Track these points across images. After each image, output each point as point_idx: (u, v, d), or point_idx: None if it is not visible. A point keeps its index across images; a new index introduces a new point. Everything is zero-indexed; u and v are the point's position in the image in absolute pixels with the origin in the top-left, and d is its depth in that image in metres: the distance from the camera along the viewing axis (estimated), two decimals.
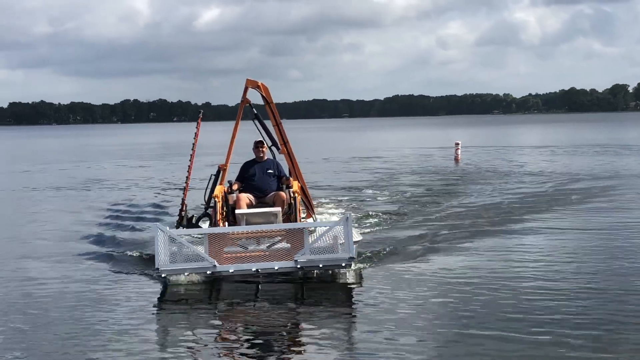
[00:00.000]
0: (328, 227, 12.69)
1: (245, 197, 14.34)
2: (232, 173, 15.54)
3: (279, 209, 13.89)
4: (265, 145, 15.25)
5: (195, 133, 15.11)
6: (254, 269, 12.33)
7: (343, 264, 12.46)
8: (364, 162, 47.15)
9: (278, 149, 15.40)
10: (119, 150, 74.22)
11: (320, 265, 12.46)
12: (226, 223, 14.05)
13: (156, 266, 12.22)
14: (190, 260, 12.27)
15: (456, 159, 45.09)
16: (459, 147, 46.74)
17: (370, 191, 28.62)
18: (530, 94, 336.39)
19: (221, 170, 14.91)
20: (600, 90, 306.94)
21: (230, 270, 12.27)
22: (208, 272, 12.27)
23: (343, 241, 12.50)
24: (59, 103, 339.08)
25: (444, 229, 18.31)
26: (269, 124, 15.49)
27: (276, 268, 12.37)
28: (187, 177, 15.00)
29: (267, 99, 14.95)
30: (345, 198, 26.41)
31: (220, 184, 14.75)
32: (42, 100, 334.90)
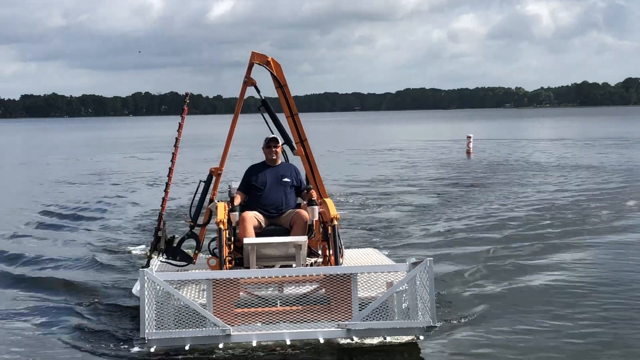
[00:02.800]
0: (394, 281, 8.65)
1: (253, 217, 10.04)
2: (229, 178, 13.74)
3: (304, 238, 9.50)
4: (280, 144, 10.80)
5: (180, 125, 10.89)
6: (288, 341, 8.43)
7: (420, 337, 8.53)
8: (378, 155, 47.01)
9: (293, 148, 10.90)
10: (132, 142, 74.27)
11: (387, 339, 8.65)
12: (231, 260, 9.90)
13: (141, 335, 8.07)
14: (188, 319, 8.21)
15: (468, 152, 44.95)
16: (471, 141, 46.56)
17: (395, 188, 28.42)
18: (542, 88, 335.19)
19: (213, 175, 10.72)
20: (612, 84, 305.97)
21: (253, 344, 8.45)
22: (220, 345, 8.36)
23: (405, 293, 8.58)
24: (71, 96, 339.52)
25: (506, 238, 16.16)
26: (280, 115, 11.23)
27: (321, 341, 8.44)
28: (167, 183, 10.94)
29: (279, 80, 10.72)
30: (366, 196, 26.29)
31: (213, 194, 10.73)
32: (54, 93, 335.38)
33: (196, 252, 10.86)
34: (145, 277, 7.99)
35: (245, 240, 9.45)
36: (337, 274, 8.36)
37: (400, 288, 8.37)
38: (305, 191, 10.56)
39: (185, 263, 10.67)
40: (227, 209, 9.87)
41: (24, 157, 54.28)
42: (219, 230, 9.38)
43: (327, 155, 45.55)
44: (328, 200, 10.08)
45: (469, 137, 47.03)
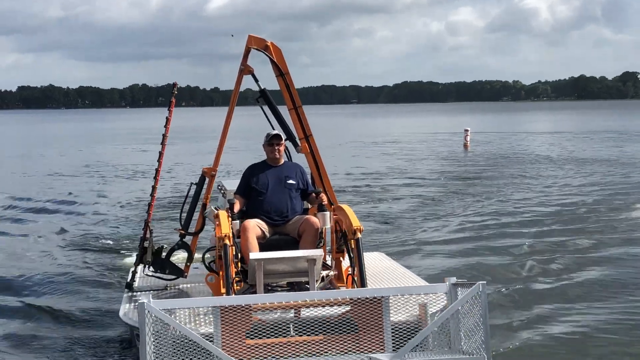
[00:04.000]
0: (439, 306, 7.22)
1: (255, 226, 8.65)
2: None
3: (320, 252, 7.94)
4: (284, 141, 9.44)
5: (167, 119, 9.47)
6: None
7: None
8: (376, 148, 46.99)
9: (296, 145, 9.52)
10: (130, 133, 74.17)
11: None
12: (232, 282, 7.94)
13: None
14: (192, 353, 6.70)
15: (465, 146, 44.97)
16: (468, 134, 46.56)
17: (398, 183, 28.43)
18: (539, 81, 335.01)
19: (206, 177, 9.43)
20: (610, 77, 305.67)
21: None
22: None
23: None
24: (68, 87, 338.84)
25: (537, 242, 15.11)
26: (281, 108, 9.74)
27: None
28: (153, 187, 9.53)
29: (280, 68, 9.33)
30: (368, 189, 26.29)
31: (206, 198, 9.47)
32: (51, 84, 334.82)
33: (187, 264, 9.50)
34: (147, 311, 6.33)
35: (252, 256, 7.67)
36: (367, 297, 6.82)
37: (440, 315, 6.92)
38: (315, 195, 9.10)
39: (175, 277, 9.43)
40: (228, 221, 8.09)
41: (18, 149, 54.14)
42: (224, 247, 7.58)
43: (324, 148, 45.48)
44: (347, 207, 8.48)
45: (466, 131, 47.02)
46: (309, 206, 9.38)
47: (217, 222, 8.04)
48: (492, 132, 63.01)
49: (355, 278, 8.04)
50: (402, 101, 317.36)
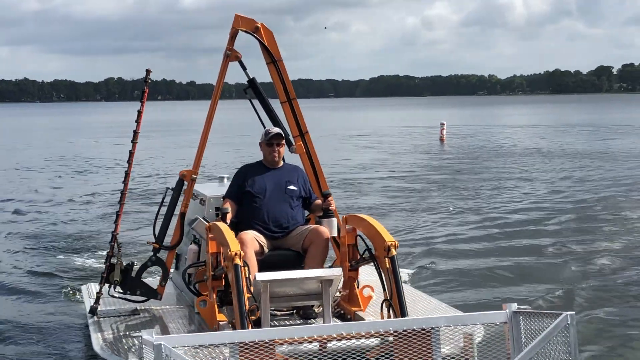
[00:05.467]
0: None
1: (253, 240, 7.30)
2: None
3: (338, 271, 6.79)
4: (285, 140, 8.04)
5: (139, 112, 8.13)
6: None
7: None
8: (354, 141, 47.06)
9: (290, 144, 8.23)
10: (107, 127, 73.71)
11: None
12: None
13: None
14: None
15: (441, 139, 45.16)
16: (445, 127, 46.74)
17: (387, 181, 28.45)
18: (515, 75, 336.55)
19: (185, 181, 8.14)
20: (584, 72, 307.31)
21: None
22: None
23: None
24: (43, 81, 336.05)
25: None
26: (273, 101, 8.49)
27: None
28: (122, 193, 8.17)
29: (271, 54, 8.06)
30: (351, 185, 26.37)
31: (184, 205, 8.16)
32: (25, 78, 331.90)
33: (162, 283, 8.12)
34: (164, 355, 4.87)
35: (258, 277, 6.45)
36: (414, 329, 5.51)
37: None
38: (323, 197, 7.74)
39: (146, 299, 8.08)
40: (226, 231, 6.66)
41: None
42: (236, 269, 5.99)
43: None
44: (371, 219, 6.95)
45: (442, 124, 47.20)
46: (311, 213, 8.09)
47: (211, 236, 6.76)
48: (468, 126, 63.29)
49: (393, 305, 6.42)
50: (379, 95, 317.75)
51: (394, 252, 6.51)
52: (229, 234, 6.45)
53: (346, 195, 21.57)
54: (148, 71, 8.24)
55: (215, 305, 6.76)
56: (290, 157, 8.28)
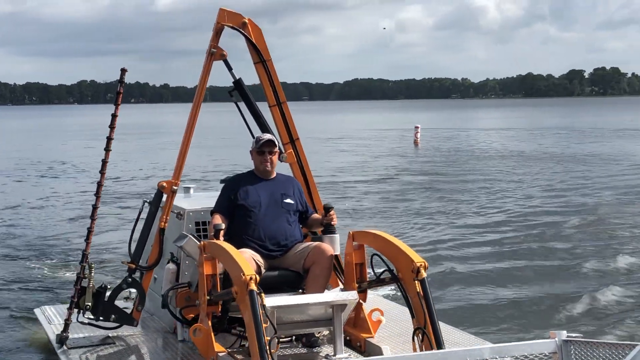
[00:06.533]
0: None
1: (251, 259, 6.44)
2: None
3: (354, 294, 6.12)
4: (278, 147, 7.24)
5: (113, 116, 7.26)
6: None
7: None
8: (331, 145, 47.09)
9: (280, 152, 7.32)
10: (79, 130, 73.17)
11: None
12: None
13: None
14: None
15: (415, 142, 45.31)
16: (419, 131, 46.89)
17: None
18: (488, 79, 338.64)
19: (164, 193, 7.25)
20: (557, 75, 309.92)
21: None
22: None
23: None
24: (15, 83, 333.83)
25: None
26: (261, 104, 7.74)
27: None
28: (94, 206, 7.27)
29: (260, 53, 7.36)
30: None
31: (164, 220, 7.26)
32: None
33: (139, 308, 7.23)
34: None
35: (269, 302, 5.58)
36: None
37: None
38: (324, 211, 6.99)
39: (118, 325, 7.25)
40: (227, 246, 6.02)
41: None
42: (251, 295, 5.25)
43: None
44: (390, 237, 6.21)
45: (416, 128, 47.35)
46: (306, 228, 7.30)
47: (206, 256, 6.06)
48: (442, 129, 63.55)
49: (427, 334, 5.62)
50: (353, 98, 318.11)
51: (424, 273, 5.74)
52: (237, 254, 5.70)
53: (325, 199, 21.59)
54: (123, 70, 7.39)
55: (212, 334, 6.04)
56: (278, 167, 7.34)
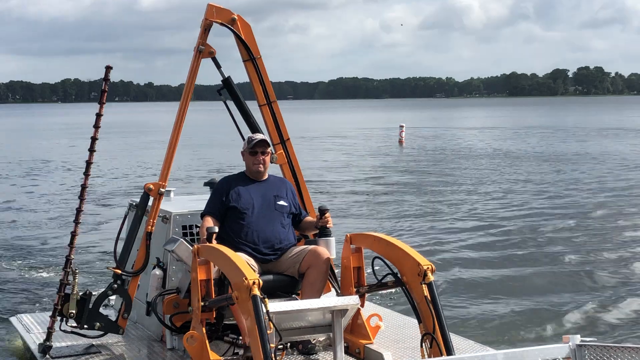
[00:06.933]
0: None
1: (246, 263, 5.99)
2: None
3: (355, 299, 5.86)
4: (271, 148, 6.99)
5: (98, 115, 6.92)
6: None
7: None
8: (316, 144, 47.05)
9: (271, 152, 7.04)
10: (63, 129, 72.81)
11: None
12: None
13: None
14: None
15: (400, 142, 45.34)
16: (404, 130, 46.93)
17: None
18: (472, 78, 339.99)
19: (151, 195, 6.94)
20: (540, 74, 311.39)
21: None
22: None
23: None
24: None
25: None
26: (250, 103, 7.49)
27: None
28: (77, 209, 6.94)
29: (249, 50, 7.12)
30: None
31: (150, 224, 6.89)
32: None
33: (125, 315, 6.88)
34: None
35: (273, 308, 5.30)
36: None
37: None
38: (319, 213, 6.64)
39: (103, 333, 6.90)
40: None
41: None
42: (254, 300, 4.98)
43: None
44: (393, 239, 6.04)
45: (401, 127, 47.38)
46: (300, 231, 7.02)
47: (201, 260, 5.84)
48: (426, 128, 63.67)
49: (437, 340, 5.41)
50: (338, 97, 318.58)
51: (431, 277, 5.53)
52: (237, 258, 5.42)
53: (313, 198, 21.55)
54: (108, 67, 7.06)
55: (207, 342, 5.74)
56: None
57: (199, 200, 7.35)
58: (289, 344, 6.35)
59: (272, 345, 4.91)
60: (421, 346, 5.50)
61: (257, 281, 5.03)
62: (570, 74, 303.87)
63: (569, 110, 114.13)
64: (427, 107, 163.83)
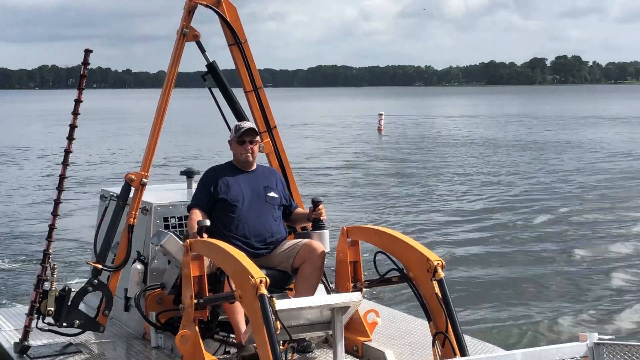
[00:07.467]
0: None
1: (248, 260, 5.60)
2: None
3: (357, 295, 5.53)
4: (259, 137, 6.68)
5: (76, 102, 6.52)
6: None
7: None
8: (295, 131, 47.01)
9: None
10: (40, 115, 72.24)
11: None
12: None
13: None
14: None
15: (379, 130, 45.41)
16: (382, 118, 47.00)
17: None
18: (451, 66, 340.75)
19: (133, 186, 6.55)
20: (519, 63, 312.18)
21: None
22: None
23: None
24: None
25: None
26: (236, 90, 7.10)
27: None
28: (55, 201, 6.55)
29: (235, 34, 6.77)
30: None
31: (132, 216, 6.49)
32: None
33: (105, 312, 6.56)
34: None
35: (280, 305, 5.02)
36: None
37: None
38: (313, 205, 6.29)
39: (82, 330, 6.54)
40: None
41: None
42: (262, 299, 4.69)
43: None
44: (396, 233, 5.76)
45: (380, 115, 47.46)
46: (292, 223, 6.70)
47: (194, 255, 5.51)
48: (406, 116, 63.74)
49: (449, 339, 5.17)
50: (317, 85, 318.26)
51: (441, 273, 5.24)
52: (239, 254, 5.10)
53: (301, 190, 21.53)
54: (87, 51, 6.61)
55: (201, 342, 5.45)
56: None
57: (178, 190, 7.07)
58: (281, 342, 5.79)
59: (281, 347, 4.66)
60: (433, 346, 5.26)
61: (264, 279, 4.74)
62: (548, 63, 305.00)
63: (547, 99, 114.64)
64: (406, 95, 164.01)
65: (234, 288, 5.04)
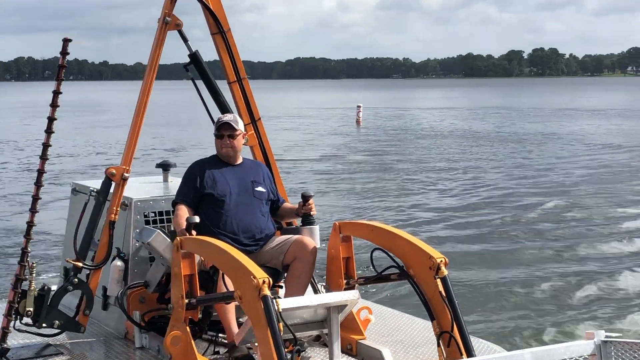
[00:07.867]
0: None
1: (248, 259, 5.35)
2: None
3: (355, 294, 5.30)
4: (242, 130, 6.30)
5: (55, 93, 6.13)
6: None
7: None
8: (273, 124, 46.89)
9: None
10: (16, 107, 71.63)
11: None
12: None
13: None
14: None
15: (357, 122, 45.44)
16: (361, 110, 47.04)
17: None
18: (429, 59, 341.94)
19: (113, 181, 6.26)
20: (496, 56, 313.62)
21: None
22: None
23: None
24: None
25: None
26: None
27: None
28: (34, 197, 6.20)
29: (219, 22, 6.59)
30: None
31: (114, 212, 6.22)
32: None
33: (86, 312, 6.29)
34: None
35: (284, 304, 4.80)
36: None
37: None
38: (302, 200, 6.12)
39: (60, 331, 6.28)
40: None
41: None
42: (265, 300, 4.51)
43: None
44: (394, 229, 5.60)
45: (358, 107, 47.49)
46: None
47: (184, 253, 5.29)
48: (384, 108, 63.85)
49: (455, 338, 5.04)
50: (295, 77, 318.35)
51: (445, 271, 5.08)
52: (238, 254, 4.89)
53: (288, 184, 21.50)
54: (66, 40, 6.28)
55: (193, 343, 5.26)
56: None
57: (154, 183, 6.90)
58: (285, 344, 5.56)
59: (286, 349, 4.51)
60: (438, 346, 5.10)
61: (267, 280, 4.56)
62: (525, 56, 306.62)
63: (524, 91, 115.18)
64: (384, 87, 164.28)
65: (229, 287, 4.90)
